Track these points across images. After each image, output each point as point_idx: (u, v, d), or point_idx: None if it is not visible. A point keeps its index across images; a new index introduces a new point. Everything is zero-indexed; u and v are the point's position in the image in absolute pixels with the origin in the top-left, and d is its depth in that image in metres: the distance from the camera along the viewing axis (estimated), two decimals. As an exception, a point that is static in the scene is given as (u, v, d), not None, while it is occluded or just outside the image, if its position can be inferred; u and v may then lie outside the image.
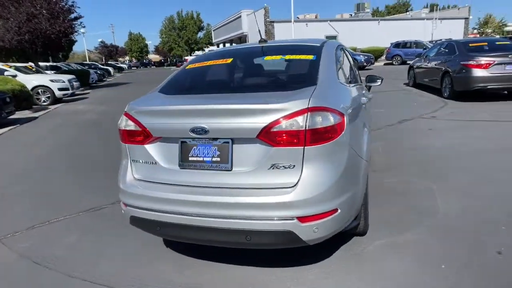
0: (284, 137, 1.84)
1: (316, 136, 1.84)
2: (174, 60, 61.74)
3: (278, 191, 1.87)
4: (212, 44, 47.06)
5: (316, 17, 39.27)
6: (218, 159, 1.99)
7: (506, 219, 2.75)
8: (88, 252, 2.68)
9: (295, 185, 1.87)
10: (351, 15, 41.67)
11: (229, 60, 2.76)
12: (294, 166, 1.87)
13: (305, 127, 1.82)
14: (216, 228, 1.94)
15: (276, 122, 1.84)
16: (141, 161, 2.19)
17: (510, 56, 7.25)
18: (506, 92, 8.18)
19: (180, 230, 2.05)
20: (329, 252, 2.41)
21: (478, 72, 7.43)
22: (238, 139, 1.94)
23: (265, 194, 1.87)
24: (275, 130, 1.85)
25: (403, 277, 2.15)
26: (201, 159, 2.02)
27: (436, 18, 33.69)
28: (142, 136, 2.14)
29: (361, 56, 21.18)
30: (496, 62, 7.28)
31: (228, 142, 1.96)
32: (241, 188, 1.95)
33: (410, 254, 2.38)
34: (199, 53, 40.42)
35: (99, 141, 6.57)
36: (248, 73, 2.86)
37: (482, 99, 7.90)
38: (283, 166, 1.88)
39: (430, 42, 24.83)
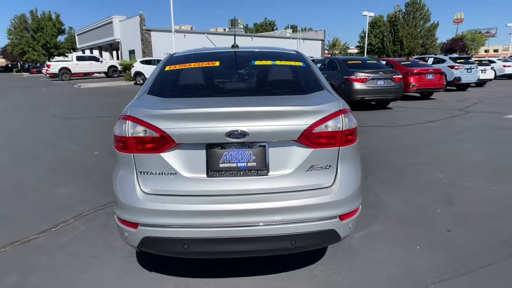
0: (324, 138, 1.89)
1: (348, 136, 1.95)
2: (27, 66, 52.08)
3: (318, 192, 1.90)
4: (75, 50, 41.83)
5: (191, 29, 39.74)
6: (254, 164, 1.88)
7: (433, 204, 3.44)
8: None
9: (331, 184, 1.94)
10: (224, 29, 43.77)
11: (217, 63, 2.60)
12: (330, 166, 1.94)
13: (342, 128, 1.92)
14: (258, 237, 1.83)
15: (317, 123, 1.88)
16: (154, 172, 1.87)
17: (380, 72, 9.02)
18: (373, 103, 10.09)
19: (214, 245, 1.83)
20: (320, 252, 2.54)
21: (358, 85, 8.96)
22: (275, 142, 1.88)
23: (307, 196, 1.87)
24: (315, 131, 1.88)
25: (392, 257, 2.48)
26: (234, 165, 1.87)
27: (299, 38, 38.67)
28: (158, 143, 1.84)
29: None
30: (370, 77, 8.94)
31: (264, 146, 1.88)
32: (281, 192, 1.88)
33: (387, 241, 2.72)
34: (60, 58, 35.30)
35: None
36: (248, 76, 2.77)
37: (358, 109, 9.54)
38: (320, 167, 1.92)
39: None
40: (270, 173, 1.89)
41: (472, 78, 14.98)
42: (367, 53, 42.45)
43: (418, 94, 12.87)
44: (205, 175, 1.87)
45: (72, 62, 27.70)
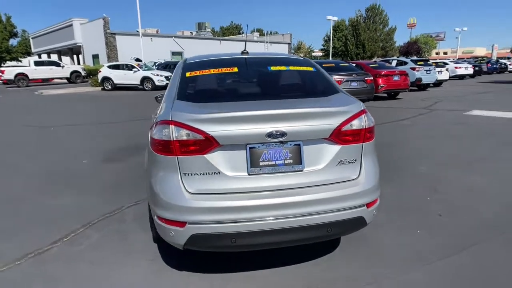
0: (350, 136, 2.13)
1: (369, 134, 2.21)
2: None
3: (347, 184, 2.13)
4: (30, 54, 39.58)
5: (157, 32, 38.99)
6: (291, 161, 2.06)
7: (422, 193, 3.79)
8: None
9: (357, 176, 2.18)
10: (191, 33, 43.41)
11: (236, 69, 2.73)
12: (355, 160, 2.18)
13: (365, 126, 2.17)
14: (298, 227, 2.00)
15: (345, 122, 2.11)
16: (198, 173, 1.99)
17: (353, 75, 9.54)
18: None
19: (259, 237, 1.99)
20: (334, 243, 2.75)
21: (333, 87, 9.39)
22: (308, 140, 2.07)
23: (338, 188, 2.08)
24: (344, 129, 2.11)
25: (399, 241, 2.75)
26: (273, 163, 2.04)
27: (267, 42, 39.28)
28: (202, 145, 1.96)
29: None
30: (345, 79, 9.43)
31: (299, 144, 2.06)
32: (315, 185, 2.07)
33: (391, 228, 3.00)
34: (13, 63, 33.22)
35: None
36: (269, 81, 2.91)
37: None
38: (348, 161, 2.15)
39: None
40: (305, 169, 2.08)
41: (431, 79, 16.14)
42: (331, 56, 44.02)
43: (385, 95, 13.66)
44: (246, 173, 2.02)
45: (29, 68, 26.13)
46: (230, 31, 63.68)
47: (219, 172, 2.00)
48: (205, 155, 1.97)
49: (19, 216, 3.46)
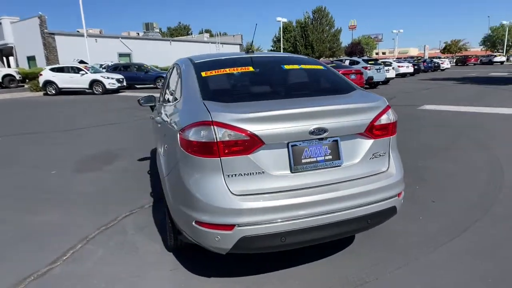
0: (380, 130, 2.20)
1: (395, 128, 2.31)
2: None
3: (381, 176, 2.21)
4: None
5: (100, 32, 36.89)
6: (330, 157, 2.08)
7: (412, 183, 4.04)
8: None
9: (387, 168, 2.27)
10: (138, 33, 41.72)
11: (251, 68, 2.67)
12: (385, 153, 2.27)
13: (392, 120, 2.26)
14: (340, 221, 2.03)
15: (377, 117, 2.18)
16: (242, 174, 1.93)
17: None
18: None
19: (307, 234, 1.99)
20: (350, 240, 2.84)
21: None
22: (344, 136, 2.11)
23: (374, 181, 2.15)
24: (376, 124, 2.18)
25: (406, 228, 2.91)
26: (314, 159, 2.04)
27: (218, 43, 39.03)
28: (247, 145, 1.91)
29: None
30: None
31: (336, 140, 2.09)
32: (354, 179, 2.12)
33: (395, 217, 3.15)
34: None
35: None
36: (292, 79, 2.87)
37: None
38: (379, 154, 2.23)
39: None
40: (343, 164, 2.11)
41: (381, 77, 17.29)
42: (280, 57, 44.94)
43: (342, 93, 14.29)
44: (289, 171, 2.00)
45: (-48, 72, 23.20)
46: (178, 32, 62.23)
47: (263, 172, 1.96)
48: (249, 155, 1.93)
49: (-2, 237, 3.06)
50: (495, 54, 53.85)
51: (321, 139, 2.05)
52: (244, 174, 1.94)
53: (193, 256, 2.59)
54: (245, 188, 1.95)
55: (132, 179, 4.52)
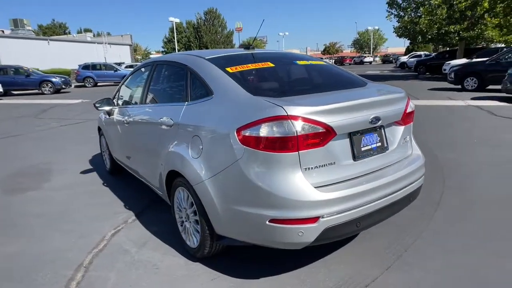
0: (408, 118, 2.45)
1: (413, 115, 2.57)
2: None
3: (411, 159, 2.44)
4: None
5: None
6: (380, 144, 2.24)
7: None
8: None
9: (412, 152, 2.52)
10: (3, 31, 35.18)
11: (271, 64, 2.61)
12: (409, 138, 2.52)
13: (413, 108, 2.53)
14: (394, 202, 2.19)
15: (407, 105, 2.43)
16: (318, 166, 1.93)
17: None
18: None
19: (372, 217, 2.10)
20: None
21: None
22: (388, 124, 2.28)
23: (409, 164, 2.38)
24: (407, 112, 2.42)
25: (415, 215, 2.81)
26: (369, 147, 2.17)
27: (105, 43, 35.62)
28: (323, 137, 1.92)
29: (57, 78, 18.99)
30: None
31: (382, 128, 2.25)
32: (395, 163, 2.32)
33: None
34: None
35: None
36: (314, 74, 2.88)
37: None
38: (406, 140, 2.46)
39: (117, 64, 26.29)
40: (388, 149, 2.30)
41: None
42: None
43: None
44: (352, 160, 2.08)
45: None
46: (52, 30, 54.29)
47: (334, 162, 2.00)
48: (323, 147, 1.95)
49: None
50: (365, 55, 63.54)
51: (375, 128, 2.20)
52: (319, 166, 1.95)
53: (224, 261, 2.44)
54: (321, 179, 1.96)
55: (89, 194, 3.88)
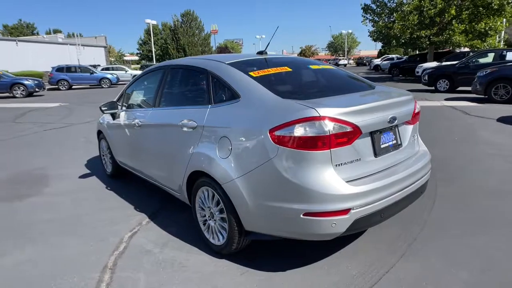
0: (415, 117, 2.67)
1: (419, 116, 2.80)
2: None
3: (420, 155, 2.67)
4: None
5: None
6: (395, 141, 2.45)
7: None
8: None
9: (419, 149, 2.75)
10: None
11: (288, 68, 2.78)
12: (416, 137, 2.75)
13: (419, 109, 2.76)
14: (409, 194, 2.40)
15: (415, 106, 2.66)
16: (346, 162, 2.11)
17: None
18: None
19: (393, 208, 2.29)
20: None
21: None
22: (400, 123, 2.49)
23: (418, 159, 2.59)
24: (416, 112, 2.65)
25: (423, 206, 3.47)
26: (387, 144, 2.37)
27: (79, 44, 34.51)
28: (351, 135, 2.10)
29: (30, 80, 18.24)
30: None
31: (396, 127, 2.46)
32: (407, 159, 2.53)
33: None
34: None
35: None
36: (330, 78, 3.04)
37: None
38: (414, 138, 2.69)
39: (93, 66, 25.53)
40: (402, 146, 2.51)
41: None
42: (149, 60, 43.20)
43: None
44: (373, 156, 2.27)
45: None
46: (19, 31, 51.82)
47: (359, 159, 2.18)
48: (351, 145, 2.12)
49: None
50: (340, 58, 65.15)
51: (391, 127, 2.40)
52: (348, 162, 2.13)
53: (250, 255, 2.56)
54: (349, 175, 2.13)
55: (95, 198, 3.86)
